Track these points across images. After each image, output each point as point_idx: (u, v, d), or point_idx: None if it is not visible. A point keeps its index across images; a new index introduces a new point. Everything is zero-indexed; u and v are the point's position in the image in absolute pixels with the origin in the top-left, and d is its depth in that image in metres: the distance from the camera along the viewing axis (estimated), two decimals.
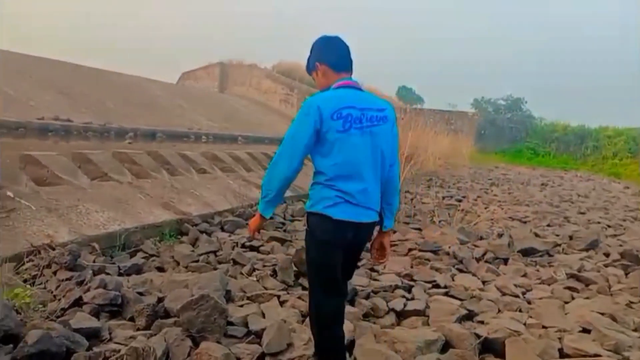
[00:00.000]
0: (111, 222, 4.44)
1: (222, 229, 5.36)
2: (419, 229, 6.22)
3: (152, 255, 4.20)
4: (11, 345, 2.29)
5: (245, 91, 38.87)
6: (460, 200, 9.40)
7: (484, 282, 4.32)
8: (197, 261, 4.09)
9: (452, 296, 3.78)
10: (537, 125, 28.86)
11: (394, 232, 2.34)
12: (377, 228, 2.38)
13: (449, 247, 5.20)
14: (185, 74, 41.56)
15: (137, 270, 3.79)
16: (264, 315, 3.04)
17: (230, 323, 2.82)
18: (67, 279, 3.22)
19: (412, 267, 4.63)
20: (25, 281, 3.17)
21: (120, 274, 3.61)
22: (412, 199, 8.77)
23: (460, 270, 4.66)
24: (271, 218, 5.89)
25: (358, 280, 3.83)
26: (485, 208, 8.65)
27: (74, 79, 24.01)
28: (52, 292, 3.11)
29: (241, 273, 3.90)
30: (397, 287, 3.84)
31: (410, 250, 5.20)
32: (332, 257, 2.17)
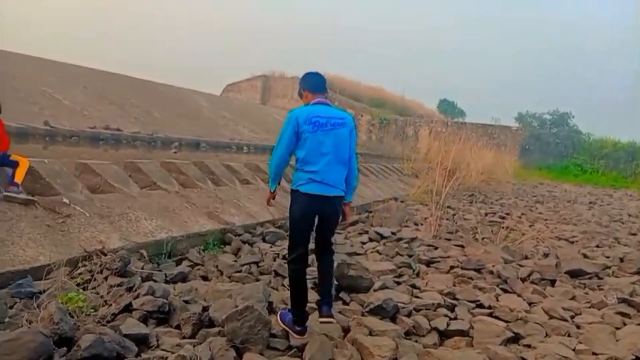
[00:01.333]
0: (159, 230, 4.58)
1: (264, 240, 5.43)
2: (461, 246, 6.10)
3: (196, 264, 4.30)
4: (65, 349, 2.40)
5: (286, 103, 39.39)
6: (503, 217, 9.15)
7: (530, 304, 4.19)
8: (239, 271, 4.16)
9: (497, 317, 3.69)
10: (584, 141, 27.83)
11: (352, 206, 3.56)
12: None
13: (493, 266, 5.07)
14: (229, 86, 42.63)
15: (183, 278, 3.89)
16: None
17: (272, 335, 2.86)
18: (117, 285, 3.34)
19: (454, 285, 4.55)
20: (78, 285, 3.32)
21: (166, 282, 3.72)
22: (453, 215, 8.62)
23: (505, 291, 4.53)
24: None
25: (399, 296, 3.80)
26: (530, 226, 8.39)
27: (125, 90, 25.01)
28: (103, 297, 3.23)
29: (282, 285, 3.94)
30: (439, 305, 3.77)
31: (452, 267, 5.11)
32: (304, 221, 3.04)
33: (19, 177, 4.10)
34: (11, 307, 2.85)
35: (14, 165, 4.16)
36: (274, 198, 3.40)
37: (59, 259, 3.53)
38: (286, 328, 3.02)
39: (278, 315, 3.15)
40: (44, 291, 3.07)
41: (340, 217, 3.24)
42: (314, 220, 3.07)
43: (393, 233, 6.21)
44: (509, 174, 19.00)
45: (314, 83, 3.22)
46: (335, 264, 3.65)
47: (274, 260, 4.62)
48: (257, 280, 3.96)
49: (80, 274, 3.47)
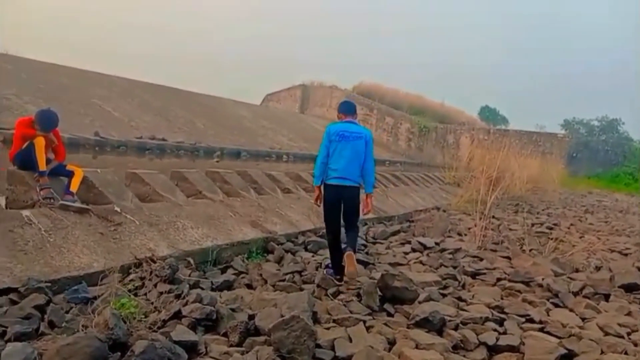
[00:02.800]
0: (204, 239, 4.68)
1: (306, 249, 5.45)
2: (508, 258, 5.92)
3: (241, 272, 4.35)
4: (119, 354, 2.47)
5: (324, 112, 39.63)
6: (551, 228, 8.83)
7: (583, 319, 4.01)
8: (283, 280, 4.18)
9: (549, 333, 3.55)
10: (636, 149, 26.58)
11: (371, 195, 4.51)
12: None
13: (542, 279, 4.89)
14: (269, 96, 43.30)
15: (228, 286, 3.95)
16: (350, 340, 3.04)
17: (318, 345, 2.85)
18: (166, 292, 3.42)
19: (502, 298, 4.41)
20: (129, 292, 3.42)
21: (213, 289, 3.78)
22: (498, 225, 8.38)
23: (556, 305, 4.35)
24: None
25: (445, 309, 3.72)
26: (580, 237, 8.06)
27: (169, 101, 25.82)
28: (153, 304, 3.32)
29: (326, 295, 3.93)
30: (487, 319, 3.66)
31: (499, 280, 4.96)
32: (331, 204, 4.33)
33: (74, 186, 4.29)
34: (67, 312, 2.97)
35: (70, 175, 4.36)
36: (318, 196, 4.48)
37: (111, 265, 3.66)
38: (330, 277, 4.21)
39: (323, 271, 4.42)
40: (98, 297, 3.18)
41: (361, 205, 4.46)
42: (340, 205, 4.32)
43: (437, 243, 6.10)
44: (556, 182, 18.35)
45: (345, 108, 4.66)
46: (379, 274, 4.11)
47: (317, 269, 4.63)
48: (301, 289, 3.97)
49: (131, 280, 3.58)
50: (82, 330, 2.63)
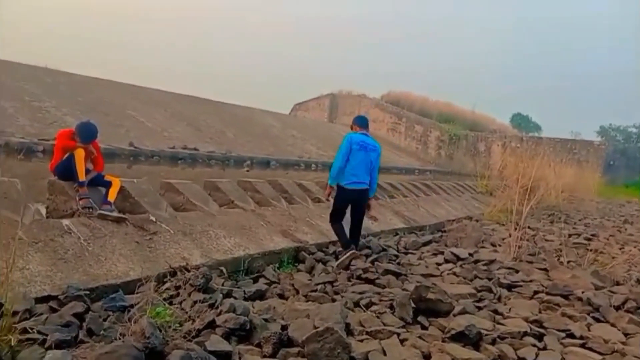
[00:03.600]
0: (237, 248, 4.71)
1: (337, 259, 5.41)
2: (545, 270, 5.75)
3: (273, 282, 4.36)
4: None
5: None
6: (589, 239, 8.53)
7: (626, 335, 3.84)
8: (315, 291, 4.17)
9: (591, 349, 3.41)
10: None
11: (377, 198, 5.55)
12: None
13: (582, 292, 4.71)
14: (298, 105, 43.69)
15: (261, 295, 3.95)
16: (385, 353, 2.99)
17: (352, 358, 2.81)
18: (200, 301, 3.44)
19: (540, 312, 4.27)
20: (164, 300, 3.46)
21: (245, 299, 3.79)
22: (533, 236, 8.16)
23: (597, 320, 4.19)
24: (384, 250, 5.89)
25: (481, 322, 3.63)
26: (620, 249, 7.76)
27: (201, 111, 26.32)
28: (187, 313, 3.35)
29: (359, 306, 3.89)
30: (525, 333, 3.55)
31: (536, 292, 4.81)
32: (343, 205, 5.20)
33: (111, 196, 4.39)
34: (105, 320, 3.02)
35: (108, 185, 4.47)
36: (330, 193, 5.27)
37: (147, 274, 3.72)
38: (348, 256, 4.99)
39: (344, 255, 5.05)
40: (134, 305, 3.22)
41: (367, 208, 5.44)
42: (351, 203, 5.20)
43: (470, 254, 5.97)
44: (593, 191, 17.79)
45: (361, 122, 5.44)
46: (412, 286, 4.17)
47: (348, 280, 4.59)
48: (333, 300, 3.94)
49: (166, 289, 3.62)
50: (120, 338, 2.67)
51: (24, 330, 2.52)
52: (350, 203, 5.20)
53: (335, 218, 5.26)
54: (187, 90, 28.41)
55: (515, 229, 6.77)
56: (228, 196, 5.87)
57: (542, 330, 3.71)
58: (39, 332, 2.56)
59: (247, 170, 17.67)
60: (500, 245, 7.06)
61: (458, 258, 5.80)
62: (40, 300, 3.03)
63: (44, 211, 4.38)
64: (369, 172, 5.18)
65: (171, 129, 21.20)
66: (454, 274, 5.27)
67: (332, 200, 5.47)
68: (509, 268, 5.71)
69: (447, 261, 5.78)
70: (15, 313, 2.66)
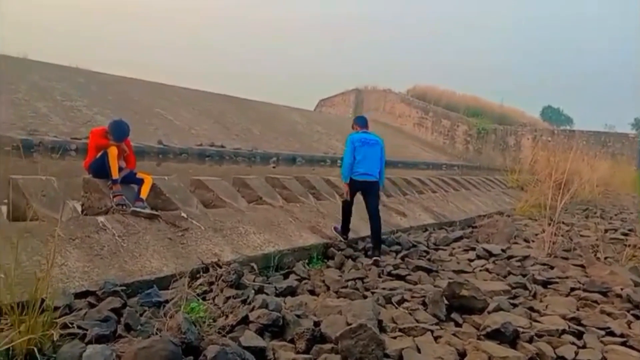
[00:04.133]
0: (266, 244, 4.73)
1: (366, 255, 5.39)
2: (581, 266, 5.58)
3: (303, 278, 4.36)
4: (192, 357, 2.52)
5: (378, 116, 39.39)
6: (626, 234, 8.25)
7: None
8: (345, 287, 4.14)
9: (632, 347, 3.29)
10: None
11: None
12: None
13: (622, 289, 4.56)
14: (322, 101, 43.61)
15: (292, 292, 3.96)
16: (419, 350, 2.95)
17: (386, 355, 2.78)
18: (233, 297, 3.47)
19: (577, 309, 4.15)
20: (197, 296, 3.50)
21: (277, 295, 3.80)
22: (568, 231, 7.94)
23: (637, 317, 4.03)
24: (414, 246, 5.82)
25: (517, 320, 3.54)
26: None
27: (227, 109, 26.54)
28: (220, 308, 3.38)
29: (390, 303, 3.85)
30: (564, 331, 3.45)
31: (572, 289, 4.67)
32: (354, 192, 5.52)
33: (144, 193, 4.46)
34: (141, 315, 3.07)
35: (140, 182, 4.54)
36: (348, 191, 5.56)
37: (180, 270, 3.77)
38: (338, 234, 5.63)
39: (332, 228, 5.72)
40: (169, 301, 3.27)
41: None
42: (360, 192, 5.54)
43: (503, 250, 5.85)
44: (628, 185, 17.22)
45: (361, 122, 5.86)
46: (443, 282, 4.14)
47: (379, 276, 4.56)
48: (364, 296, 3.91)
49: (199, 284, 3.66)
50: (157, 333, 2.71)
51: (65, 325, 2.57)
52: (361, 194, 5.55)
53: (347, 203, 5.62)
54: (212, 90, 28.72)
55: (549, 224, 6.60)
56: (256, 192, 5.89)
57: (580, 328, 3.60)
58: (79, 327, 2.62)
59: (273, 167, 17.76)
60: (533, 241, 6.89)
61: (490, 254, 5.69)
62: (79, 295, 3.09)
63: (79, 208, 4.48)
64: (376, 164, 5.52)
65: (198, 126, 21.47)
66: (487, 270, 5.17)
67: (349, 197, 5.76)
68: (543, 264, 5.56)
69: (479, 257, 5.67)
70: (56, 308, 2.72)
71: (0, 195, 4.33)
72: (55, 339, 2.41)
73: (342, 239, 5.56)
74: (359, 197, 5.63)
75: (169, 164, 15.93)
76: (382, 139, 5.76)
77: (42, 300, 2.64)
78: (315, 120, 33.37)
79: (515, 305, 4.02)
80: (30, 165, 12.45)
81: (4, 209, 3.98)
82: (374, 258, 5.03)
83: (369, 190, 5.49)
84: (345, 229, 5.64)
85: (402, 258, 5.31)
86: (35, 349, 2.36)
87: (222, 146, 18.97)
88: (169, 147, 16.85)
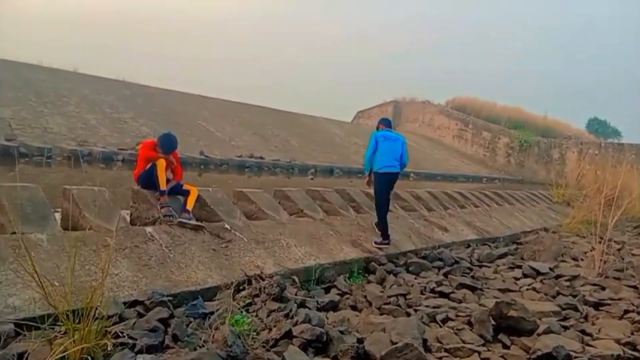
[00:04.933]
0: (307, 257, 4.73)
1: (408, 270, 5.31)
2: (635, 287, 5.31)
3: (345, 293, 4.33)
4: None
5: (417, 128, 39.04)
6: None
7: None
8: (388, 303, 4.08)
9: None
10: None
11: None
12: None
13: None
14: (360, 113, 43.61)
15: (334, 306, 3.93)
16: None
17: None
18: (275, 310, 3.48)
19: (632, 333, 3.93)
20: (241, 308, 3.53)
21: (319, 309, 3.79)
22: (619, 250, 7.59)
23: None
24: (457, 262, 5.70)
25: (569, 343, 3.39)
26: None
27: (267, 120, 26.92)
28: (263, 321, 3.39)
29: (435, 321, 3.76)
30: (619, 357, 3.28)
31: (626, 312, 4.44)
32: (383, 185, 5.82)
33: (190, 204, 4.56)
34: (187, 326, 3.12)
35: (186, 194, 4.65)
36: (368, 181, 6.11)
37: (224, 281, 3.82)
38: (380, 246, 5.65)
39: (372, 243, 5.70)
40: (214, 312, 3.31)
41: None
42: (388, 184, 5.89)
43: (551, 269, 5.64)
44: None
45: (385, 122, 6.25)
46: (489, 301, 4.05)
47: (422, 293, 4.47)
48: (407, 314, 3.85)
49: (243, 297, 3.69)
50: (203, 345, 2.75)
51: (116, 335, 2.64)
52: (387, 184, 5.88)
53: (380, 208, 5.83)
54: (251, 101, 29.23)
55: (599, 242, 6.33)
56: (297, 205, 5.92)
57: (636, 354, 3.41)
58: (129, 337, 2.68)
59: (311, 178, 17.83)
60: (582, 260, 6.62)
61: (538, 273, 5.49)
62: (128, 304, 3.17)
63: (127, 218, 4.61)
64: (397, 158, 5.89)
65: (238, 138, 21.86)
66: (534, 289, 4.99)
67: (372, 187, 6.18)
68: (594, 284, 5.33)
69: (525, 275, 5.49)
70: (107, 317, 2.80)
71: (53, 202, 4.51)
72: (109, 348, 2.47)
73: (384, 245, 5.66)
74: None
75: (210, 175, 16.26)
76: (403, 136, 6.21)
77: (95, 309, 2.73)
78: (352, 133, 33.38)
79: (566, 328, 3.86)
80: (79, 175, 12.98)
81: (58, 216, 4.15)
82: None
83: (393, 180, 5.96)
84: (384, 231, 5.75)
85: (445, 274, 5.20)
86: (89, 358, 2.43)
87: (261, 157, 19.23)
88: (210, 158, 17.22)
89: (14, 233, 3.37)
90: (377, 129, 6.15)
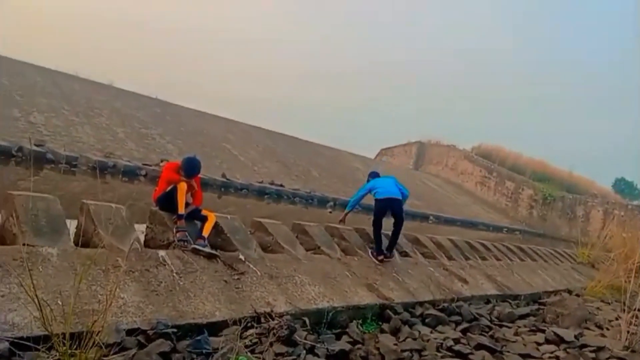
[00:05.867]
0: (321, 298, 4.54)
1: (424, 322, 5.05)
2: None
3: (357, 342, 4.09)
4: None
5: (440, 170, 38.79)
6: None
7: None
8: (402, 359, 3.85)
9: None
10: None
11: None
12: None
13: None
14: (384, 150, 43.65)
15: (344, 356, 3.71)
16: None
17: None
18: (283, 354, 3.29)
19: None
20: (246, 347, 3.35)
21: (327, 357, 3.58)
22: None
23: None
24: (476, 319, 5.42)
25: None
26: None
27: (290, 149, 27.07)
28: None
29: None
30: None
31: None
32: (379, 213, 6.30)
33: (206, 231, 4.44)
34: None
35: (204, 219, 4.54)
36: (343, 219, 6.84)
37: (232, 316, 3.65)
38: (375, 259, 6.08)
39: (369, 253, 6.18)
40: (218, 349, 3.14)
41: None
42: (385, 210, 6.34)
43: (576, 337, 5.31)
44: None
45: (373, 174, 6.96)
46: None
47: (438, 350, 4.21)
48: None
49: (249, 335, 3.51)
50: None
51: None
52: (388, 210, 6.30)
53: (376, 226, 6.26)
54: (278, 130, 29.51)
55: (625, 310, 5.97)
56: (315, 241, 5.76)
57: None
58: None
59: (330, 212, 17.65)
60: (608, 329, 6.25)
61: (562, 340, 5.16)
62: (130, 332, 3.02)
63: (142, 237, 4.51)
64: (393, 187, 6.44)
65: (261, 163, 21.94)
66: (557, 358, 4.67)
67: (344, 223, 6.84)
68: (620, 358, 4.98)
69: (548, 341, 5.16)
70: (106, 345, 2.66)
71: (71, 210, 4.44)
72: None
73: (379, 260, 6.06)
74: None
75: (229, 198, 16.24)
76: (395, 178, 6.79)
77: (96, 334, 2.60)
78: (374, 169, 33.22)
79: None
80: (101, 185, 13.08)
81: (74, 225, 4.06)
82: (383, 255, 6.08)
83: (394, 206, 6.30)
84: (379, 249, 6.15)
85: (463, 331, 4.93)
86: None
87: (282, 185, 19.19)
88: (231, 182, 17.25)
89: (25, 245, 3.29)
90: (368, 181, 6.81)
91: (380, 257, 6.07)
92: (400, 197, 6.38)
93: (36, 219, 3.52)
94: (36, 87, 18.58)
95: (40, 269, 3.17)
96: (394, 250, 6.48)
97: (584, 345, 5.17)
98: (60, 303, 2.90)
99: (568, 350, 4.93)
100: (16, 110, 15.90)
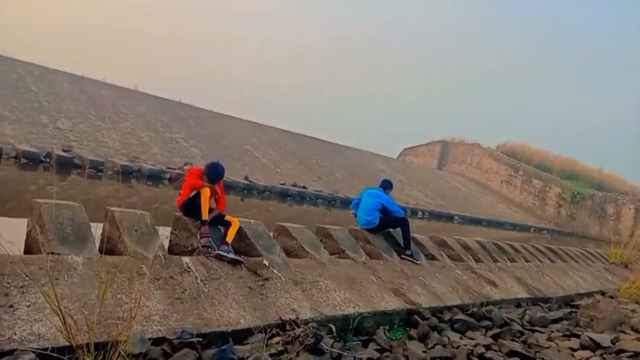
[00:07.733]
0: (346, 304, 4.45)
1: (453, 328, 4.91)
2: None
3: (384, 349, 4.00)
4: None
5: (464, 170, 38.26)
6: None
7: None
8: None
9: None
10: None
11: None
12: None
13: None
14: (406, 150, 43.27)
15: None
16: None
17: None
18: None
19: None
20: (271, 356, 3.29)
21: None
22: None
23: None
24: (507, 324, 5.26)
25: None
26: None
27: (312, 150, 27.07)
28: None
29: None
30: None
31: None
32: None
33: (229, 236, 4.41)
34: None
35: (227, 225, 4.51)
36: None
37: (257, 323, 3.60)
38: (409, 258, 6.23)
39: (403, 255, 6.26)
40: (244, 359, 3.09)
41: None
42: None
43: (612, 342, 5.10)
44: None
45: (385, 185, 7.12)
46: None
47: (468, 358, 4.08)
48: None
49: (275, 342, 3.45)
50: None
51: None
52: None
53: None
54: (300, 131, 29.49)
55: None
56: (339, 245, 5.68)
57: None
58: None
59: (354, 213, 17.54)
60: None
61: (598, 345, 4.96)
62: (155, 341, 2.99)
63: (166, 243, 4.50)
64: (373, 211, 6.49)
65: (283, 165, 21.96)
66: None
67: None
68: None
69: (583, 347, 4.97)
70: (132, 356, 2.63)
71: (96, 215, 4.47)
72: None
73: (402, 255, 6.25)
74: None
75: (252, 200, 16.30)
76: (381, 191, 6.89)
77: (122, 344, 2.57)
78: (398, 169, 32.97)
79: None
80: (126, 189, 13.27)
81: (99, 231, 4.08)
82: (406, 254, 6.23)
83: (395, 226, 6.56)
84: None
85: (494, 337, 4.78)
86: None
87: (304, 187, 19.17)
88: (254, 184, 17.31)
89: (51, 253, 3.30)
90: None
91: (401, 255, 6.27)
92: (372, 224, 6.39)
93: (62, 227, 3.54)
94: (64, 94, 18.99)
95: (66, 278, 3.17)
96: (420, 254, 6.45)
97: (621, 351, 4.96)
98: (85, 312, 2.89)
99: (604, 356, 4.74)
100: (44, 116, 16.28)
